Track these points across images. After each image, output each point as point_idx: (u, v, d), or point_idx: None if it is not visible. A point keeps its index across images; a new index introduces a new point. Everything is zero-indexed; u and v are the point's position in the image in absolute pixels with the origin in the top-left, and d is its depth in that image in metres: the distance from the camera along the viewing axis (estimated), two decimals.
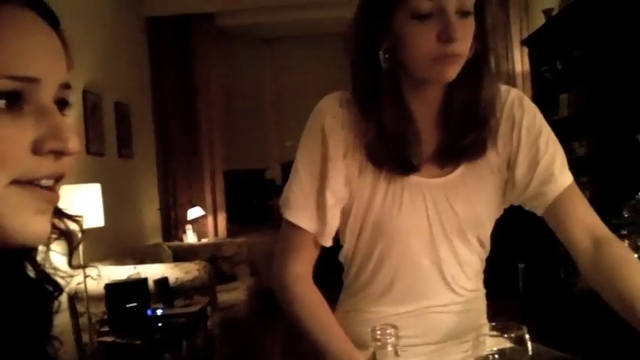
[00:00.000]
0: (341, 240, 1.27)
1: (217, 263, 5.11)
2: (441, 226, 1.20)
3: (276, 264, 1.24)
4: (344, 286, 1.32)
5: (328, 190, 1.18)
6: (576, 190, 1.20)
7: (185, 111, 5.97)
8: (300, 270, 1.21)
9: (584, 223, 1.16)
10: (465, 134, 1.16)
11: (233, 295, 4.69)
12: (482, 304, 1.32)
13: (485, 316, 1.33)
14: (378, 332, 0.74)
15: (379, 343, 0.73)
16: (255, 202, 6.99)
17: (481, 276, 1.31)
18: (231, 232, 6.14)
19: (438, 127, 1.20)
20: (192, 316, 3.49)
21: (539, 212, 1.22)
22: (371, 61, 1.13)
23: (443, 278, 1.22)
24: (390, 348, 0.72)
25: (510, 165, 1.22)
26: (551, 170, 1.18)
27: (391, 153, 1.15)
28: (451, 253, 1.22)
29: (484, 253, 1.29)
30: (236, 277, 5.27)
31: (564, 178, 1.19)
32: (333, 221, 1.20)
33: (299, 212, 1.19)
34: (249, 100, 6.90)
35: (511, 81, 5.64)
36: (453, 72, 1.08)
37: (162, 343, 3.18)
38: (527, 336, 0.79)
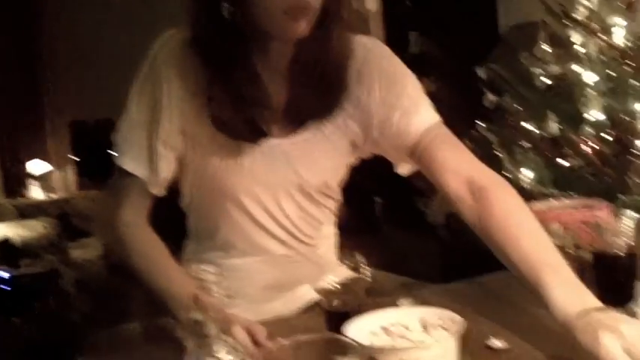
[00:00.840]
0: (180, 188, 1.18)
1: (69, 219, 4.85)
2: (283, 186, 1.13)
3: (106, 210, 1.15)
4: (187, 232, 1.25)
5: (159, 140, 1.08)
6: (442, 133, 1.11)
7: (20, 56, 5.50)
8: (131, 216, 1.11)
9: (455, 169, 1.06)
10: (312, 93, 1.07)
11: (88, 251, 4.49)
12: (332, 245, 1.30)
13: (334, 253, 1.30)
14: (201, 275, 0.69)
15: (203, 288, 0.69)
16: (109, 154, 6.65)
17: (332, 220, 1.28)
18: (83, 186, 5.83)
19: (284, 86, 1.10)
20: (41, 277, 3.35)
21: (401, 169, 1.17)
22: (210, 9, 1.00)
23: (289, 233, 1.17)
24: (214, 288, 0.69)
25: (364, 125, 1.13)
26: (401, 124, 1.09)
27: (241, 120, 1.05)
28: (297, 209, 1.16)
29: (334, 203, 1.24)
30: (90, 233, 5.03)
31: (419, 123, 1.09)
32: (165, 171, 1.10)
33: (128, 157, 1.09)
34: (95, 44, 6.46)
35: (363, 20, 5.70)
36: (304, 27, 0.97)
37: (9, 307, 3.03)
38: (363, 263, 0.78)
